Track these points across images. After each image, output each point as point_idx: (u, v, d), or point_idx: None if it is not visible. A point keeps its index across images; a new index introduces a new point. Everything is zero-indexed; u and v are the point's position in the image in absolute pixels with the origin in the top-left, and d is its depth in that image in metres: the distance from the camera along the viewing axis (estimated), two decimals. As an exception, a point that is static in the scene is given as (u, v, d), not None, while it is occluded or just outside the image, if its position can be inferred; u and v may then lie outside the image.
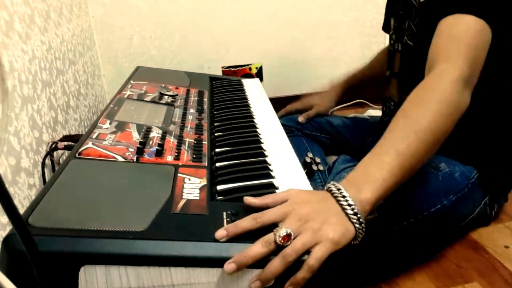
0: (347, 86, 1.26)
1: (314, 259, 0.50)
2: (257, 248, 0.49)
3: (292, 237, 0.50)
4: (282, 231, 0.50)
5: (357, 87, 1.28)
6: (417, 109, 0.66)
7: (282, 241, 0.49)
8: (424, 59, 0.76)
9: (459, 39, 0.72)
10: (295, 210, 0.53)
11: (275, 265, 0.49)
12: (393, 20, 1.01)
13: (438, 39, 0.75)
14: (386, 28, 1.14)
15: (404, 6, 0.94)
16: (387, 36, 1.08)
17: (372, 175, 0.59)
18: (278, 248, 0.50)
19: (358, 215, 0.54)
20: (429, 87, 0.69)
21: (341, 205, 0.55)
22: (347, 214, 0.55)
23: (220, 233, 0.50)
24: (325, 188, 0.59)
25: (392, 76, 1.03)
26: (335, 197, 0.56)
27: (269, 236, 0.50)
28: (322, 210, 0.54)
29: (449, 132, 0.67)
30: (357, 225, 0.54)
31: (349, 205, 0.55)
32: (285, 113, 1.24)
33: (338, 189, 0.57)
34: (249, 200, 0.56)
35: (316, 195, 0.59)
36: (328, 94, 1.24)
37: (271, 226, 0.52)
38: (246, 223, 0.52)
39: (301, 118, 1.18)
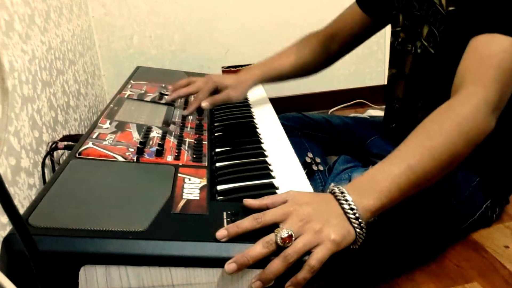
0: (265, 79, 1.05)
1: (315, 259, 0.49)
2: (258, 248, 0.49)
3: (293, 238, 0.50)
4: (283, 232, 0.50)
5: (273, 80, 1.08)
6: (436, 127, 0.64)
7: (283, 242, 0.49)
8: (443, 68, 0.72)
9: (492, 62, 0.67)
10: (296, 210, 0.53)
11: (276, 265, 0.49)
12: (402, 16, 0.94)
13: (468, 58, 0.70)
14: (365, 5, 1.02)
15: (423, 7, 0.87)
16: (387, 35, 1.06)
17: (378, 184, 0.58)
18: (279, 249, 0.50)
19: (360, 220, 0.54)
20: (453, 108, 0.66)
21: (343, 208, 0.55)
22: (348, 218, 0.54)
23: (221, 233, 0.50)
24: (328, 190, 0.59)
25: (399, 77, 0.99)
26: (338, 199, 0.56)
27: (270, 237, 0.50)
28: (323, 211, 0.54)
29: (466, 155, 0.65)
30: (358, 230, 0.54)
31: (351, 209, 0.54)
32: (186, 93, 0.97)
33: (342, 192, 0.56)
34: (248, 202, 0.56)
35: (317, 196, 0.58)
36: (245, 83, 1.00)
37: (272, 226, 0.52)
38: (247, 223, 0.52)
39: (205, 103, 0.91)
